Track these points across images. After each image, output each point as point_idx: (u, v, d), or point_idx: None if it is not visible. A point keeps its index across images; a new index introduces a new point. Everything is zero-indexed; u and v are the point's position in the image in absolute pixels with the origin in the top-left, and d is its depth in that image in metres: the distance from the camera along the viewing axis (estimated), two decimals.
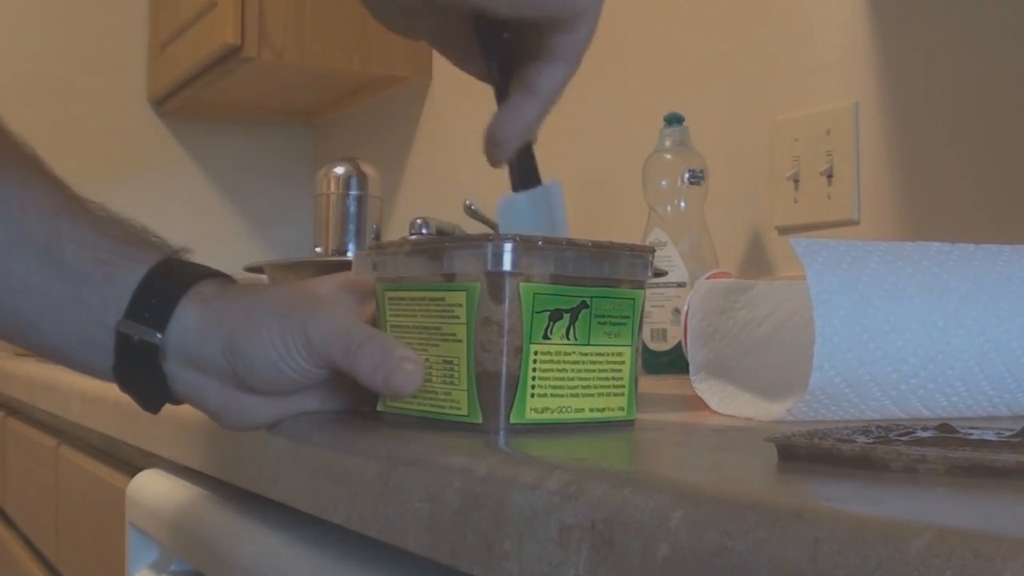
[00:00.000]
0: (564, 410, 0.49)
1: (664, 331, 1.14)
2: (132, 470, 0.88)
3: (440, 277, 0.49)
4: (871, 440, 0.36)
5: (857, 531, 0.25)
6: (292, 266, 1.16)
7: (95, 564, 1.08)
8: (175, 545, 0.72)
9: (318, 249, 1.40)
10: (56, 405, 1.17)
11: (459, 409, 0.49)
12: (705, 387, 0.64)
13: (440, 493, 0.40)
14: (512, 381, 0.48)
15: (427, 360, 0.50)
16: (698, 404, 0.63)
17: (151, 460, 0.83)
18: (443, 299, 0.49)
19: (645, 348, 1.16)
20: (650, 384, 0.95)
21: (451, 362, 0.49)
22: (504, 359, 0.47)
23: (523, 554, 0.35)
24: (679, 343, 1.09)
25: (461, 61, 0.59)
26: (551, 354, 0.48)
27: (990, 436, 0.37)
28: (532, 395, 0.48)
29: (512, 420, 0.47)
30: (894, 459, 0.34)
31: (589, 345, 0.50)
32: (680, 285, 1.13)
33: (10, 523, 1.60)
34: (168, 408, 0.56)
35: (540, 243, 0.48)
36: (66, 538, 1.23)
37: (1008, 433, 0.37)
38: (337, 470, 0.48)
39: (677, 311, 1.13)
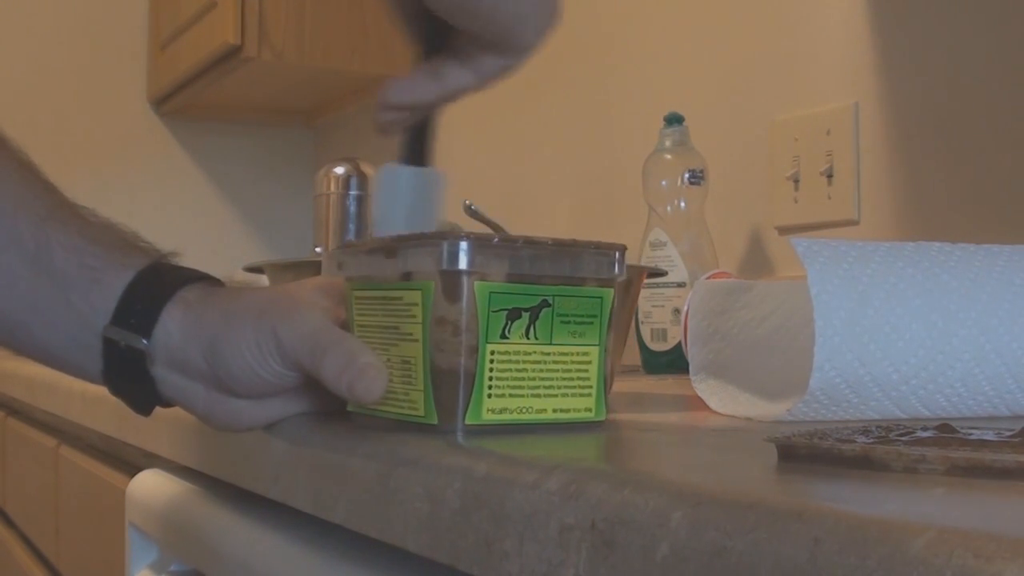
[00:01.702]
0: (525, 411, 0.48)
1: (664, 331, 1.14)
2: (132, 470, 0.88)
3: (399, 276, 0.49)
4: (871, 440, 0.36)
5: (857, 531, 0.25)
6: (292, 266, 1.15)
7: (95, 564, 1.08)
8: (175, 545, 0.72)
9: (318, 249, 1.40)
10: (56, 405, 1.17)
11: (416, 410, 0.48)
12: (705, 387, 0.64)
13: (440, 493, 0.40)
14: (468, 381, 0.47)
15: (388, 360, 0.49)
16: (698, 404, 0.63)
17: (151, 460, 0.83)
18: (401, 298, 0.49)
19: (645, 348, 1.16)
20: (650, 384, 0.95)
21: (409, 362, 0.48)
22: (460, 359, 0.46)
23: (523, 554, 0.35)
24: (679, 343, 1.09)
25: (401, 24, 0.61)
26: (509, 354, 0.47)
27: (990, 436, 0.37)
28: (489, 395, 0.47)
29: (468, 421, 0.47)
30: (894, 459, 0.34)
31: (552, 344, 0.49)
32: (680, 285, 1.13)
33: (10, 523, 1.60)
34: (168, 408, 0.56)
35: (495, 241, 0.47)
36: (66, 538, 1.23)
37: (1008, 433, 0.37)
38: (337, 470, 0.48)
39: (677, 311, 1.13)
